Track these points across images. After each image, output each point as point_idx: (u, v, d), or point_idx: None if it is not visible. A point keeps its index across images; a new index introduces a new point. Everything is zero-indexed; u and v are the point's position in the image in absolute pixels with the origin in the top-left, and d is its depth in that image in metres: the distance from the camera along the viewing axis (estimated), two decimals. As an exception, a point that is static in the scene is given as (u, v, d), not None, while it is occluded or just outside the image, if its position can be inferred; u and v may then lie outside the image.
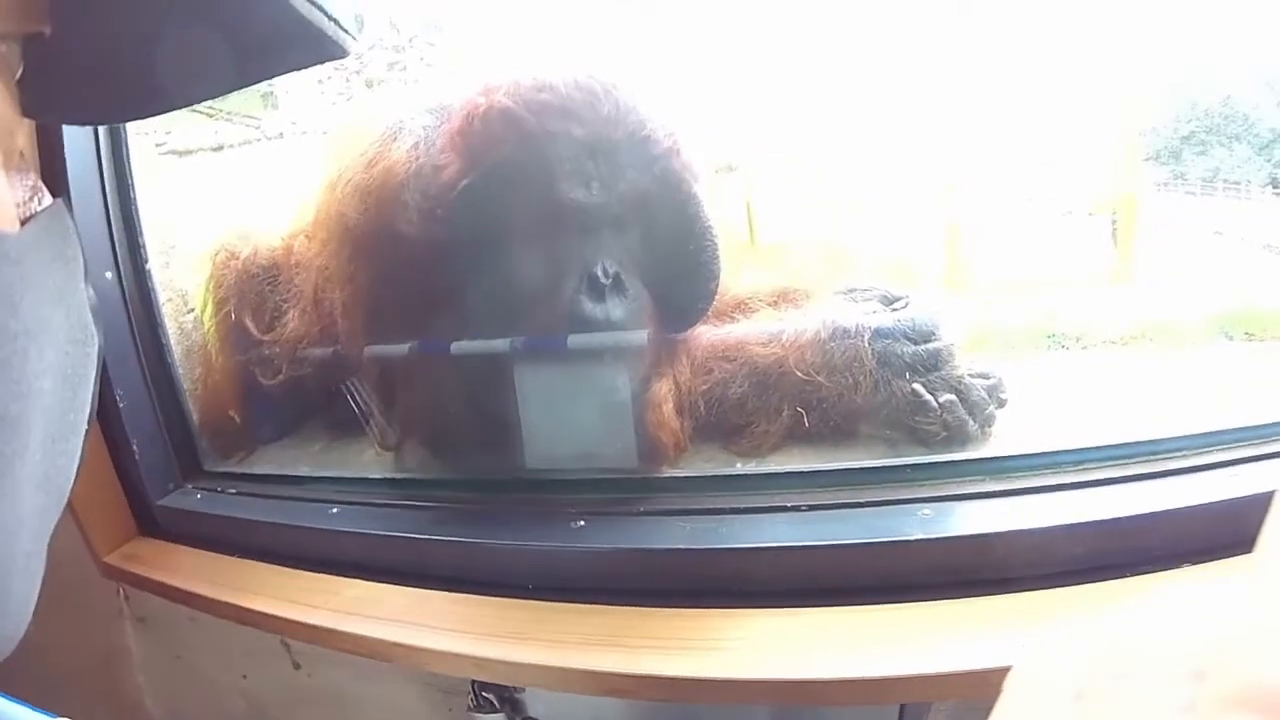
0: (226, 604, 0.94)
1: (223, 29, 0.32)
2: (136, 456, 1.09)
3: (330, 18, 0.32)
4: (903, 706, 0.74)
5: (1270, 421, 0.77)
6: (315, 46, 0.33)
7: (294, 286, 1.11)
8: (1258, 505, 0.64)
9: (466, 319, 0.88)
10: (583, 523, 0.84)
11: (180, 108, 0.36)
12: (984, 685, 0.65)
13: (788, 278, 0.98)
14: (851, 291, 0.96)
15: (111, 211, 1.07)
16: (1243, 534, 0.68)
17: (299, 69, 0.36)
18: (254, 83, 0.35)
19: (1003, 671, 0.65)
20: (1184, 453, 0.77)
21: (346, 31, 0.33)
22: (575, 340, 0.83)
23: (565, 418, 0.87)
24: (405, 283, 0.91)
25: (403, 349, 0.94)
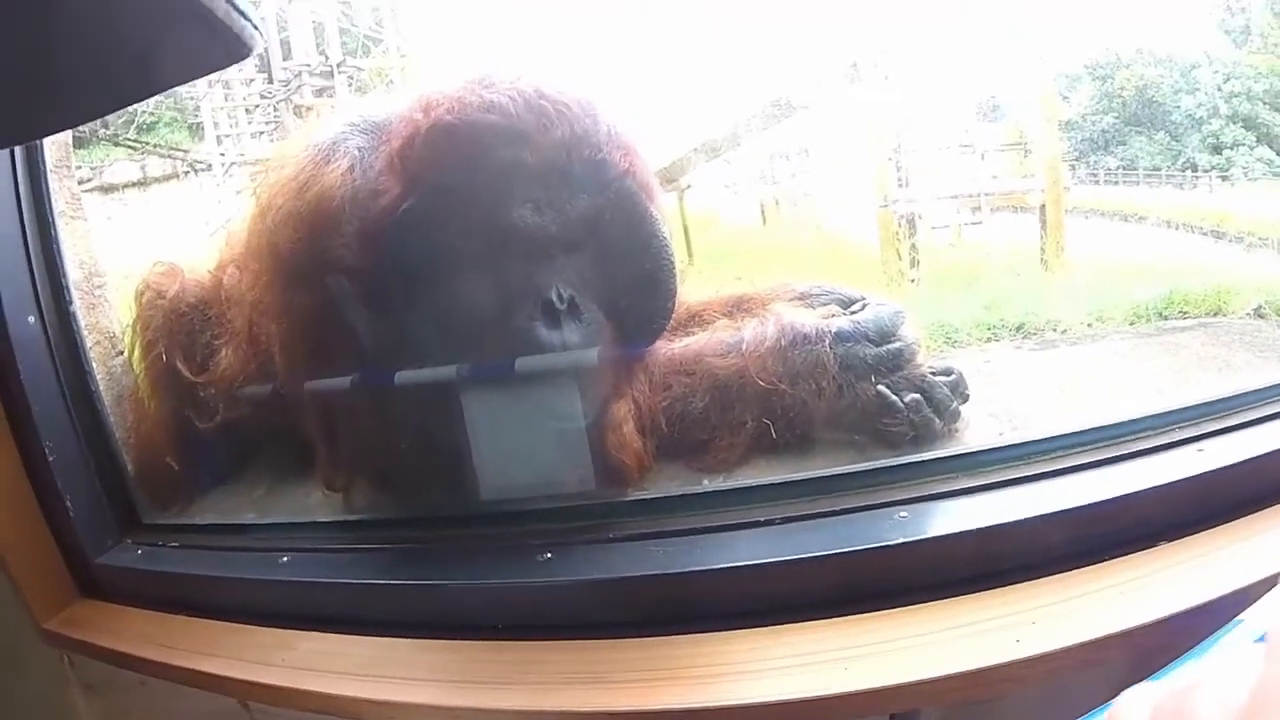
0: (177, 667, 0.88)
1: (122, 29, 0.28)
2: (71, 513, 1.02)
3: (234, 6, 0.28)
4: (892, 716, 0.71)
5: (1229, 395, 0.77)
6: (220, 43, 0.29)
7: (226, 322, 1.05)
8: (1226, 478, 0.63)
9: (413, 350, 0.84)
10: (550, 554, 0.80)
11: (90, 120, 0.32)
12: (974, 687, 0.65)
13: (741, 286, 0.95)
14: (808, 296, 0.94)
15: (32, 252, 1.01)
16: (1214, 507, 0.67)
17: (207, 72, 0.32)
18: (163, 89, 0.32)
19: (993, 671, 0.61)
20: (1149, 433, 0.77)
21: (248, 19, 0.29)
22: (528, 365, 0.79)
23: (523, 446, 0.83)
24: (345, 314, 0.86)
25: (345, 383, 0.89)
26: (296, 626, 0.87)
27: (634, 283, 0.85)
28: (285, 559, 0.93)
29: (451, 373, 0.82)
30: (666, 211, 0.88)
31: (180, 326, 1.08)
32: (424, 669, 0.78)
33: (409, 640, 0.81)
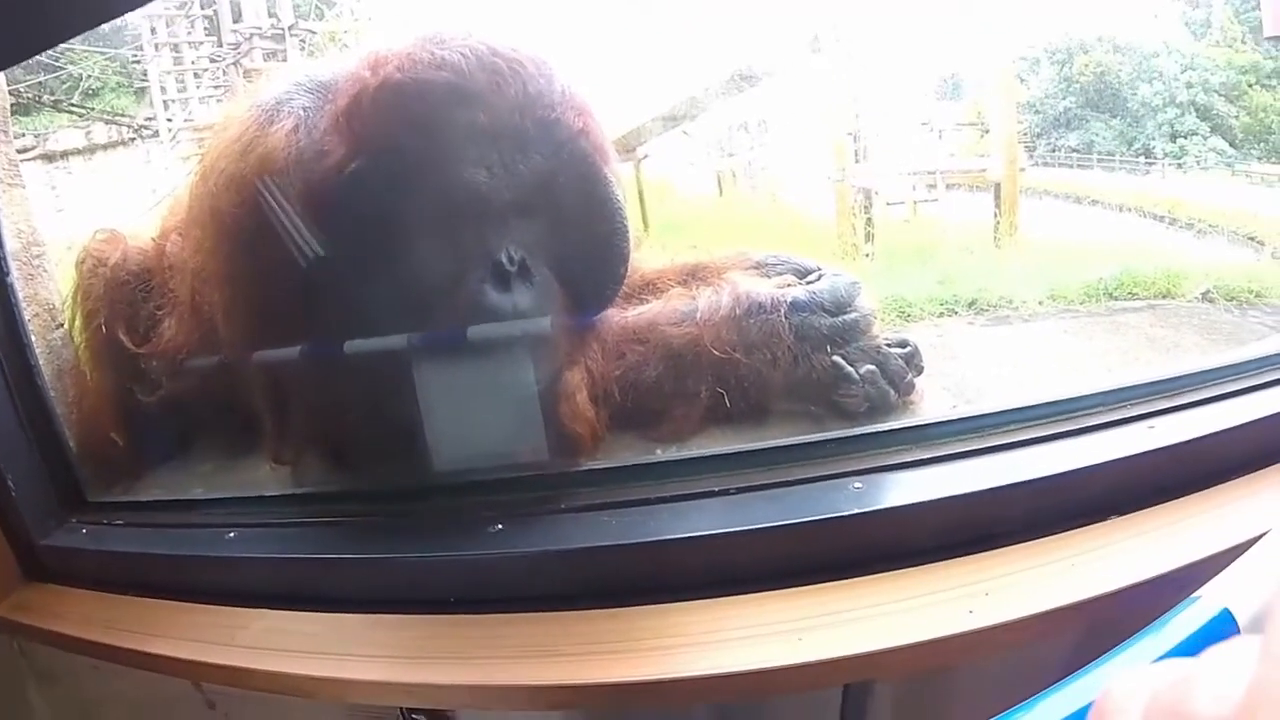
0: (129, 650, 0.85)
1: None
2: (13, 493, 0.97)
3: None
4: (846, 687, 0.71)
5: (1179, 375, 0.78)
6: None
7: (169, 291, 0.99)
8: (1176, 456, 0.63)
9: (361, 317, 0.80)
10: (501, 526, 0.78)
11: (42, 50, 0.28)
12: (927, 658, 0.64)
13: (696, 254, 0.93)
14: (763, 265, 0.93)
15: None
16: (1163, 484, 0.68)
17: None
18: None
19: (946, 641, 0.60)
20: (1101, 409, 0.77)
21: None
22: (479, 332, 0.77)
23: (473, 416, 0.80)
24: (290, 281, 0.82)
25: (292, 353, 0.85)
26: (247, 604, 0.84)
27: (587, 247, 0.83)
28: (232, 535, 0.89)
29: (400, 340, 0.79)
30: (621, 176, 0.85)
31: (122, 296, 1.03)
32: (376, 645, 0.76)
33: (361, 616, 0.79)
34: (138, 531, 0.98)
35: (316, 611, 0.80)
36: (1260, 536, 0.49)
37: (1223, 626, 0.44)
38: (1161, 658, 0.42)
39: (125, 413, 1.06)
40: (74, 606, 0.95)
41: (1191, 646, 0.43)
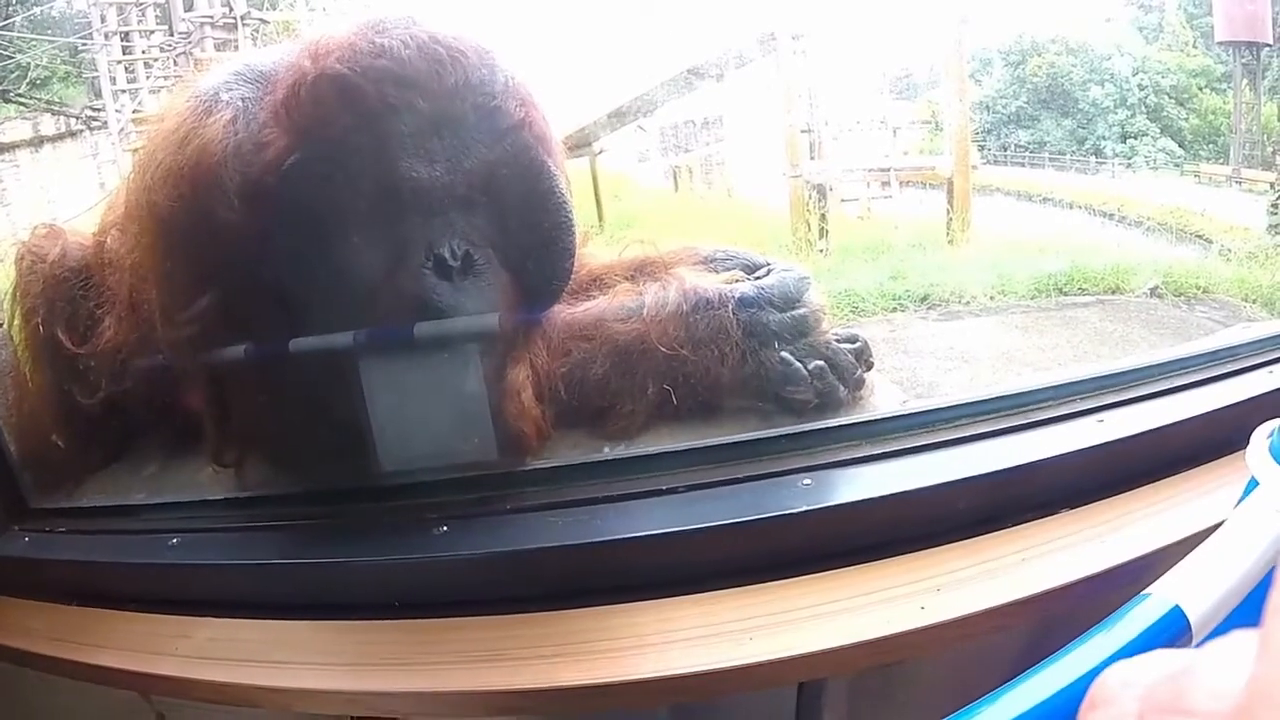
0: (71, 662, 0.81)
1: None
2: (-47, 502, 0.91)
3: None
4: (801, 685, 0.69)
5: (1128, 369, 0.77)
6: None
7: (108, 289, 0.94)
8: (1125, 449, 0.61)
9: (300, 314, 0.76)
10: (446, 528, 0.74)
11: None
12: (880, 654, 0.63)
13: (644, 249, 0.90)
14: (712, 261, 0.90)
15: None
16: (1113, 477, 0.66)
17: None
18: None
19: (898, 638, 0.58)
20: (1052, 402, 0.76)
21: None
22: (422, 329, 0.73)
23: (416, 415, 0.76)
24: (228, 277, 0.78)
25: (231, 352, 0.80)
26: (191, 613, 0.80)
27: (532, 241, 0.79)
28: (175, 541, 0.84)
29: (341, 338, 0.75)
30: (567, 168, 0.82)
31: (60, 294, 0.97)
32: (320, 652, 0.73)
33: (304, 622, 0.75)
34: (80, 539, 0.93)
35: (260, 619, 0.77)
36: (1210, 529, 0.48)
37: (1173, 624, 0.43)
38: (1114, 655, 0.41)
39: (66, 415, 1.00)
40: (15, 618, 0.89)
41: (1142, 644, 0.42)
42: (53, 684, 0.86)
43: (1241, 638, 0.25)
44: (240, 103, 0.80)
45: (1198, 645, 0.42)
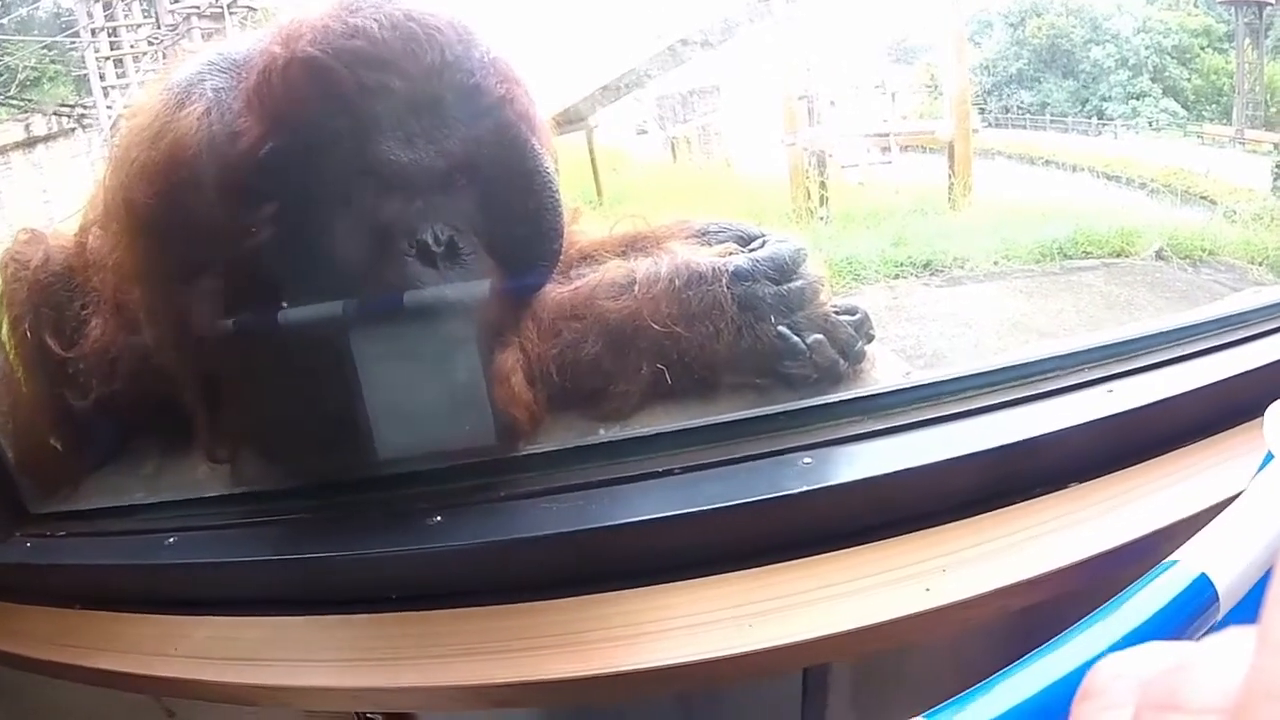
0: (76, 667, 0.80)
1: None
2: (-45, 511, 0.90)
3: None
4: (805, 669, 0.67)
5: (1137, 336, 0.74)
6: None
7: (93, 290, 0.92)
8: (1136, 420, 0.58)
9: (284, 306, 0.74)
10: (439, 518, 0.72)
11: None
12: (884, 639, 0.60)
13: (636, 223, 0.86)
14: (705, 234, 0.86)
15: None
16: (1124, 449, 0.63)
17: None
18: None
19: (903, 622, 0.55)
20: (1059, 373, 0.73)
21: None
22: (408, 316, 0.71)
23: (406, 404, 0.74)
24: (210, 271, 0.76)
25: (217, 346, 0.78)
26: (190, 612, 0.79)
27: (517, 221, 0.76)
28: (172, 540, 0.83)
29: (326, 328, 0.72)
30: (553, 145, 0.78)
31: (45, 298, 0.95)
32: (318, 648, 0.71)
33: (302, 618, 0.74)
34: (81, 542, 0.91)
35: (258, 615, 0.75)
36: (1228, 500, 0.45)
37: (1200, 592, 0.40)
38: (1141, 626, 0.39)
39: (61, 419, 0.99)
40: (20, 623, 0.88)
41: (1171, 613, 0.40)
42: (62, 689, 0.85)
43: (1239, 632, 0.24)
44: (213, 93, 0.77)
45: (1225, 615, 0.40)
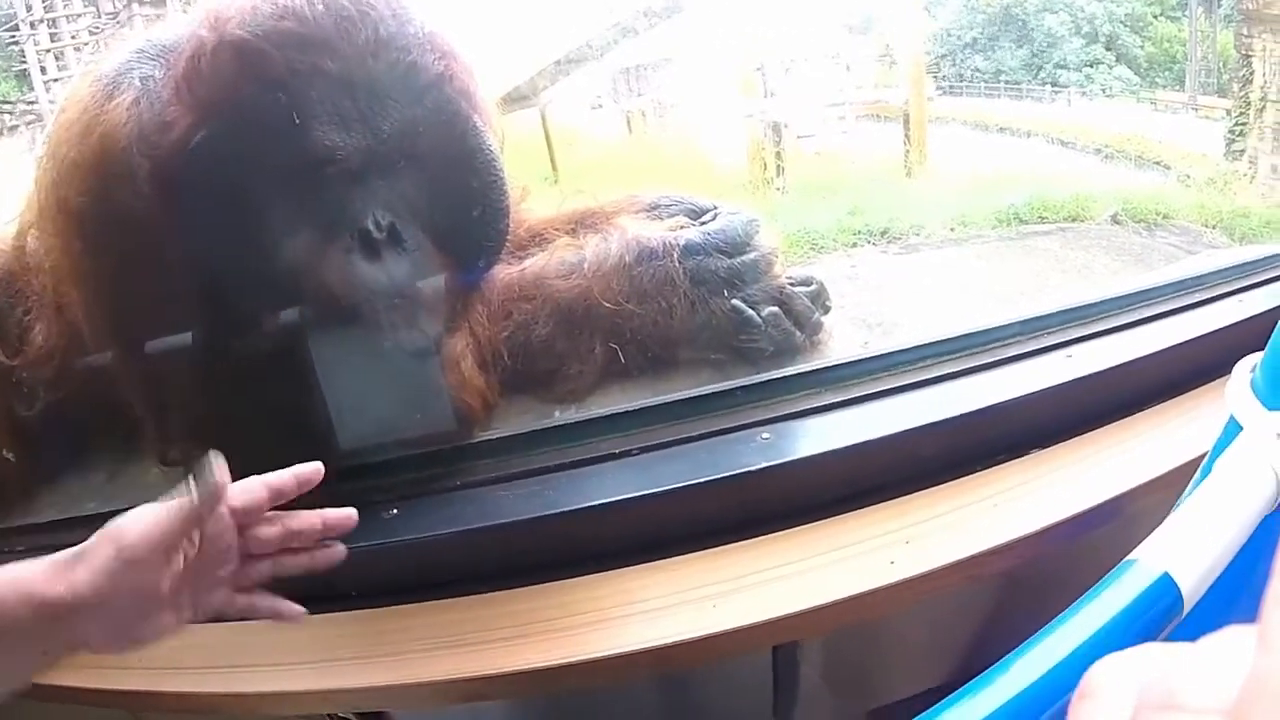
0: (43, 686, 0.73)
1: None
2: (-90, 533, 0.85)
3: None
4: (775, 647, 0.66)
5: (1095, 300, 0.72)
6: None
7: (34, 295, 0.87)
8: (1095, 384, 0.56)
9: (225, 301, 0.70)
10: (395, 510, 0.69)
11: None
12: (850, 614, 0.59)
13: (585, 199, 0.83)
14: (656, 208, 0.83)
15: None
16: (1084, 414, 0.61)
17: None
18: None
19: (869, 596, 0.53)
20: (1018, 339, 0.72)
21: None
22: (353, 306, 0.67)
23: (355, 395, 0.70)
24: (148, 269, 0.72)
25: (161, 345, 0.75)
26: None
27: (462, 203, 0.72)
28: (128, 547, 0.79)
29: (269, 322, 0.69)
30: (497, 122, 0.74)
31: None
32: (280, 651, 0.68)
33: (262, 622, 0.67)
34: (37, 555, 0.87)
35: (215, 621, 0.69)
36: (1184, 466, 0.43)
37: (1165, 593, 0.38)
38: (1106, 627, 0.38)
39: (11, 430, 0.94)
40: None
41: (1134, 613, 0.38)
42: (30, 707, 0.81)
43: (1237, 631, 0.23)
44: (141, 82, 0.73)
45: (1188, 613, 0.38)
